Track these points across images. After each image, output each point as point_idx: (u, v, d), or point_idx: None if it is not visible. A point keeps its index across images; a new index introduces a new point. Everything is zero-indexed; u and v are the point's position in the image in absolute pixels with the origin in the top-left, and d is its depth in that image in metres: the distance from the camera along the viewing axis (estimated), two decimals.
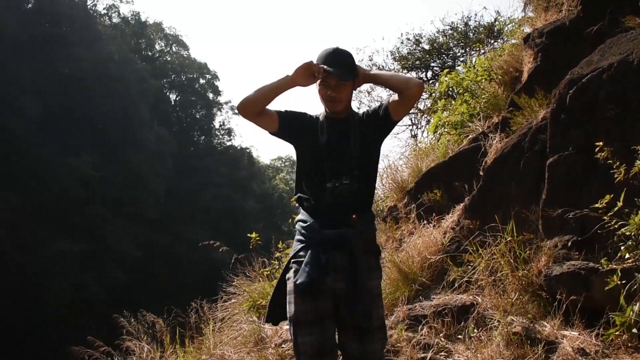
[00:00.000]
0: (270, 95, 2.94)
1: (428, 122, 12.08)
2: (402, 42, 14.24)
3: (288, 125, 2.97)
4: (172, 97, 55.41)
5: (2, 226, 29.40)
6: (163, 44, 56.13)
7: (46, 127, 35.66)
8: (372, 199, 3.10)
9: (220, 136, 57.57)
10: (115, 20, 51.10)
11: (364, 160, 2.92)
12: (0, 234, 29.15)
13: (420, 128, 13.25)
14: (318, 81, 2.88)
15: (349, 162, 2.88)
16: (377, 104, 3.07)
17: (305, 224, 2.94)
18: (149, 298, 26.77)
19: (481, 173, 5.27)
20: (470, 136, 6.36)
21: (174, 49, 56.76)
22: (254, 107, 2.92)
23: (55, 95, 37.17)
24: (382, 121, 2.95)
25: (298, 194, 3.03)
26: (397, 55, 14.22)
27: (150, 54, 54.02)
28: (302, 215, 3.01)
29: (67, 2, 43.29)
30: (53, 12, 41.24)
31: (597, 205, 3.58)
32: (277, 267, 5.94)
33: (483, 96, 6.86)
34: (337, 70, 2.79)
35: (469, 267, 4.69)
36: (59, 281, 30.10)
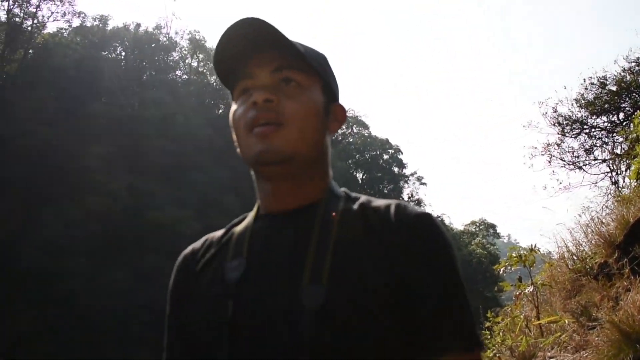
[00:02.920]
0: None
1: (628, 167, 11.37)
2: (586, 88, 13.68)
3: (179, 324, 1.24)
4: (359, 175, 57.14)
5: None
6: (345, 127, 58.46)
7: None
8: None
9: None
10: None
11: (341, 331, 1.02)
12: None
13: (620, 174, 12.49)
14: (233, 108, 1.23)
15: (289, 330, 1.04)
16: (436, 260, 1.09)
17: None
18: None
19: None
20: None
21: (355, 130, 58.92)
22: None
23: (251, 193, 39.74)
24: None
25: None
26: (583, 101, 13.65)
27: (334, 138, 56.50)
28: None
29: None
30: None
31: None
32: (489, 336, 5.84)
33: None
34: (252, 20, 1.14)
35: None
36: None
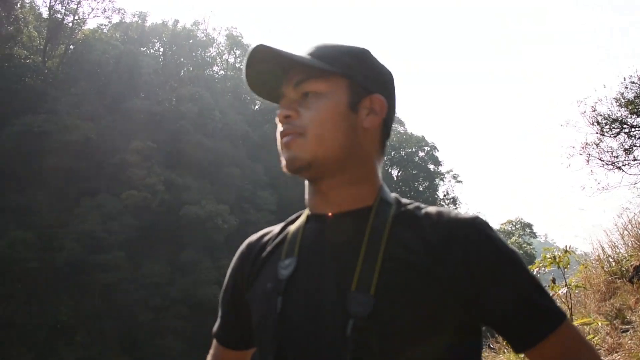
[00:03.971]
0: None
1: None
2: (625, 87, 13.40)
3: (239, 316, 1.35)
4: (394, 173, 56.88)
5: None
6: None
7: (283, 217, 38.41)
8: None
9: (446, 206, 57.63)
10: None
11: (383, 335, 1.06)
12: None
13: None
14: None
15: (333, 333, 1.09)
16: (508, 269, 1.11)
17: None
18: None
19: None
20: None
21: None
22: None
23: (286, 188, 39.99)
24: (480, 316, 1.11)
25: None
26: (623, 100, 13.38)
27: None
28: None
29: None
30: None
31: None
32: None
33: None
34: (262, 47, 1.19)
35: None
36: None
